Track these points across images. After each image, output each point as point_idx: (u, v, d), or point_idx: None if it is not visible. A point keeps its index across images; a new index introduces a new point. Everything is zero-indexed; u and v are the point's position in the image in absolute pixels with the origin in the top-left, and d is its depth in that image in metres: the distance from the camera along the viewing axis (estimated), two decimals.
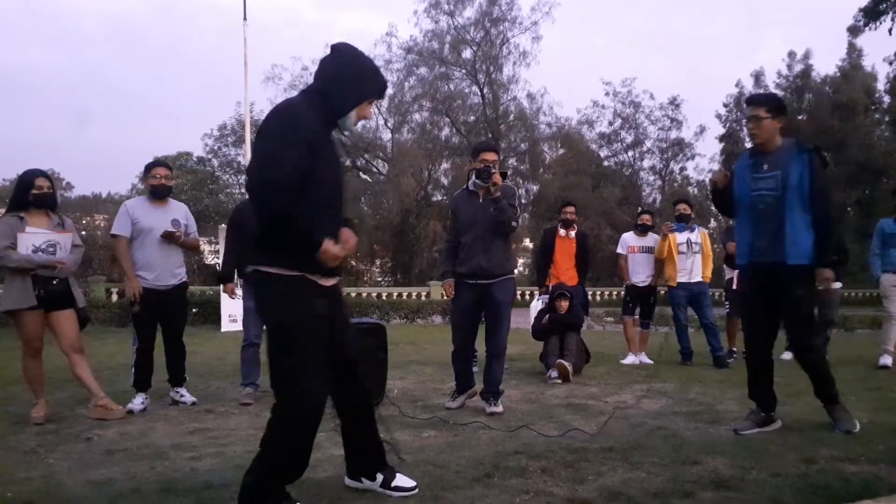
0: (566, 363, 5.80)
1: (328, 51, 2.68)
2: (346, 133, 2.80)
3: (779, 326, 3.93)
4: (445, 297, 4.70)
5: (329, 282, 2.60)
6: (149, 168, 4.88)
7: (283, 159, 2.38)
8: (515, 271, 6.38)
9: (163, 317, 4.80)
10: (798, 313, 3.77)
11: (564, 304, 6.28)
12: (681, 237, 7.04)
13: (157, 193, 4.82)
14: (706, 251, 7.11)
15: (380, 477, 2.75)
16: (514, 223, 4.51)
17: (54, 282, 4.34)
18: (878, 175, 31.07)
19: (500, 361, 4.56)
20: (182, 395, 4.85)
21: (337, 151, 2.70)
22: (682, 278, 6.99)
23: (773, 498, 2.61)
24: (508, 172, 4.84)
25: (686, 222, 7.13)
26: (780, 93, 33.06)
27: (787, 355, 7.41)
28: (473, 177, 4.53)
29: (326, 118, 2.58)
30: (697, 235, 7.09)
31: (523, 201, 32.12)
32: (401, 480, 2.75)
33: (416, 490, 2.72)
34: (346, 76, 2.59)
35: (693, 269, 6.99)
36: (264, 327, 5.08)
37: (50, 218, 4.43)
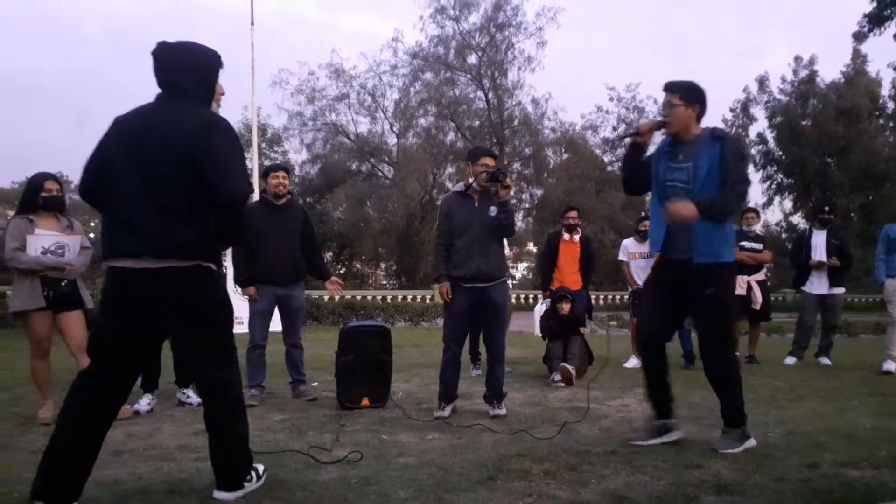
0: (570, 367, 5.81)
1: (162, 54, 2.71)
2: None
3: (678, 328, 3.74)
4: (441, 301, 4.70)
5: None
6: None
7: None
8: (514, 274, 6.39)
9: None
10: (709, 317, 3.53)
11: (566, 307, 6.30)
12: None
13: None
14: None
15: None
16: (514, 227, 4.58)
17: (63, 283, 4.38)
18: (881, 181, 30.97)
19: (502, 364, 4.58)
20: (188, 396, 4.85)
21: None
22: None
23: (775, 502, 2.62)
24: (509, 172, 4.80)
25: None
26: (783, 98, 33.19)
27: (790, 360, 7.44)
28: (480, 178, 4.44)
29: None
30: None
31: (527, 206, 32.15)
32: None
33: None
34: (198, 71, 2.73)
35: None
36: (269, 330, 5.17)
37: (59, 220, 4.47)
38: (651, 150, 3.75)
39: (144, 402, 4.66)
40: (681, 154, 3.52)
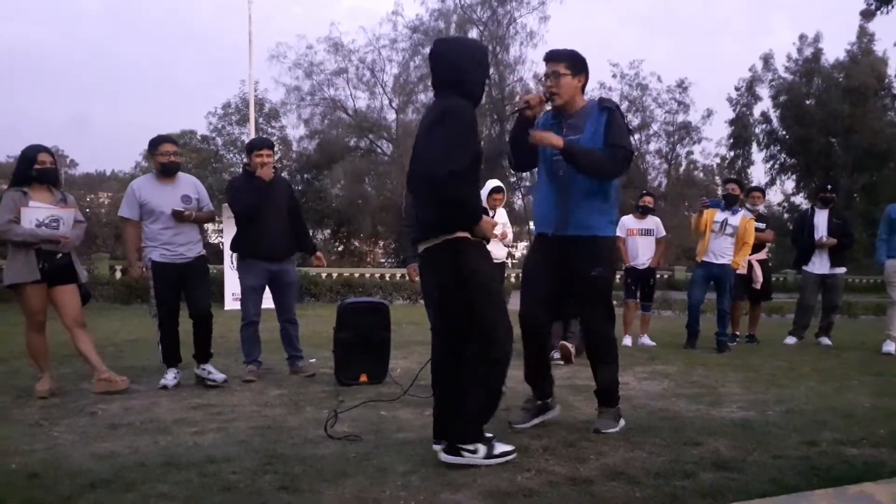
0: (569, 344, 5.80)
1: (435, 47, 3.03)
2: None
3: (559, 305, 3.57)
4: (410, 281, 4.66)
5: None
6: (154, 144, 4.71)
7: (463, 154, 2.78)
8: (501, 252, 6.32)
9: (184, 291, 4.70)
10: (589, 294, 3.40)
11: None
12: (719, 216, 6.74)
13: (167, 171, 4.71)
14: (742, 237, 6.71)
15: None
16: None
17: (58, 256, 4.34)
18: (883, 161, 30.81)
19: None
20: (210, 373, 4.65)
21: None
22: (706, 257, 6.77)
23: (774, 479, 2.61)
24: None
25: (733, 203, 6.81)
26: (788, 77, 32.90)
27: (791, 340, 7.43)
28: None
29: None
30: (737, 219, 6.73)
31: (527, 184, 31.99)
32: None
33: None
34: (474, 64, 2.93)
35: (719, 250, 6.70)
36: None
37: (53, 193, 4.42)
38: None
39: (171, 377, 4.62)
40: (565, 128, 3.35)
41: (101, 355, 4.58)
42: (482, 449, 2.74)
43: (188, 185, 4.85)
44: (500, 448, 2.77)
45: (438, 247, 2.85)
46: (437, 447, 2.90)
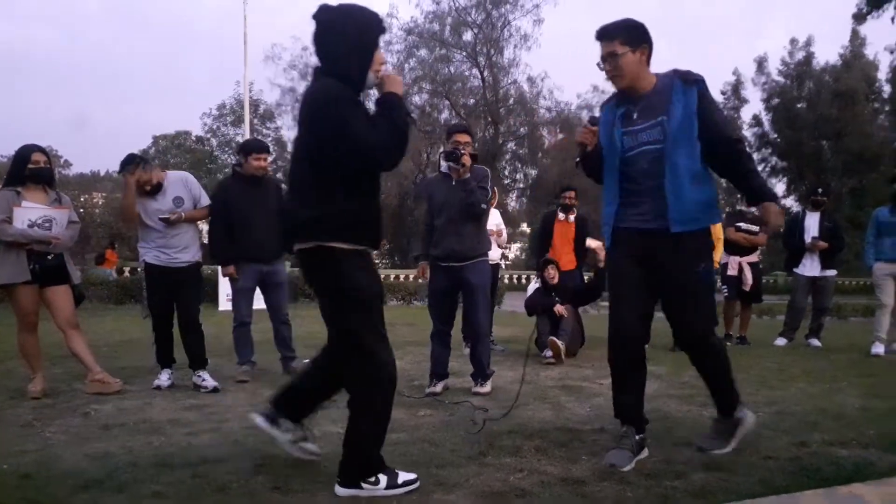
0: (558, 340, 5.83)
1: (318, 14, 2.51)
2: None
3: (651, 308, 3.03)
4: (421, 281, 4.71)
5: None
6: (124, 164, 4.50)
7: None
8: (495, 253, 6.35)
9: (175, 296, 4.65)
10: (695, 294, 2.94)
11: (553, 273, 6.34)
12: None
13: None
14: (714, 235, 6.89)
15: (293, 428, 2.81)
16: (483, 206, 4.42)
17: (49, 257, 4.33)
18: (872, 165, 31.00)
19: (483, 343, 4.61)
20: (204, 380, 4.58)
21: None
22: None
23: (764, 480, 2.63)
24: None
25: None
26: (780, 80, 33.04)
27: (781, 341, 7.48)
28: (443, 159, 4.50)
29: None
30: None
31: (521, 186, 32.08)
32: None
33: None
34: (349, 41, 2.47)
35: None
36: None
37: (47, 193, 4.41)
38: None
39: (164, 377, 4.62)
40: (636, 114, 2.90)
41: (95, 356, 4.57)
42: (383, 479, 2.50)
43: (177, 186, 4.69)
44: (403, 477, 2.53)
45: (312, 251, 2.52)
46: (258, 419, 2.78)
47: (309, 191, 2.51)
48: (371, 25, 2.52)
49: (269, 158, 5.13)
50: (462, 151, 4.35)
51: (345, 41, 2.46)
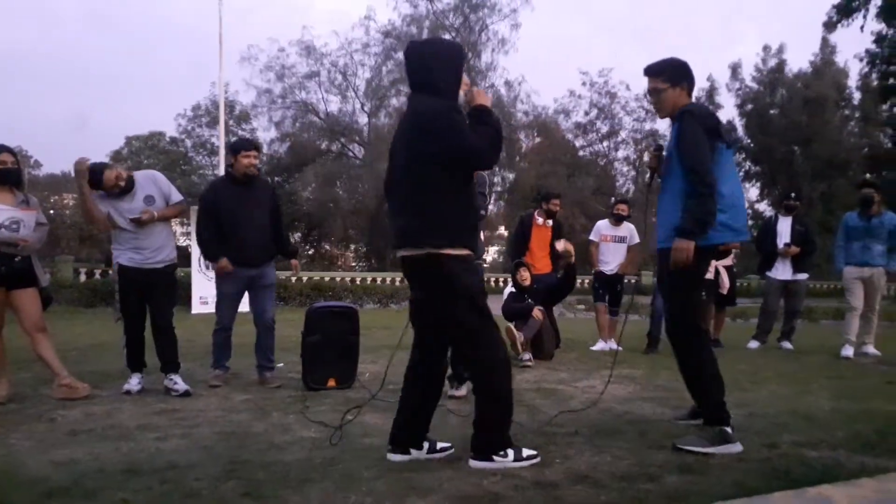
0: (515, 330, 5.93)
1: (413, 48, 3.04)
2: None
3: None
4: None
5: None
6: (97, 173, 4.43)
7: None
8: (485, 258, 6.41)
9: (148, 299, 4.56)
10: (672, 300, 3.35)
11: (526, 275, 6.36)
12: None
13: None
14: None
15: (425, 445, 3.00)
16: (482, 212, 4.38)
17: (16, 259, 4.23)
18: (842, 171, 31.56)
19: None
20: (175, 383, 4.50)
21: None
22: None
23: (736, 482, 2.65)
24: None
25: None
26: (754, 86, 33.57)
27: (754, 344, 7.57)
28: None
29: None
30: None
31: (499, 189, 32.16)
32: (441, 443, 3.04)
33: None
34: (452, 67, 2.95)
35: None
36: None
37: (14, 195, 4.31)
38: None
39: (134, 382, 4.53)
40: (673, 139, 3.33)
41: (63, 360, 4.48)
42: (511, 453, 2.84)
43: (147, 184, 4.59)
44: (526, 452, 2.89)
45: (421, 259, 2.86)
46: (394, 457, 2.95)
47: (417, 203, 2.85)
48: (462, 55, 3.10)
49: (257, 155, 5.07)
50: None
51: (450, 67, 2.95)
